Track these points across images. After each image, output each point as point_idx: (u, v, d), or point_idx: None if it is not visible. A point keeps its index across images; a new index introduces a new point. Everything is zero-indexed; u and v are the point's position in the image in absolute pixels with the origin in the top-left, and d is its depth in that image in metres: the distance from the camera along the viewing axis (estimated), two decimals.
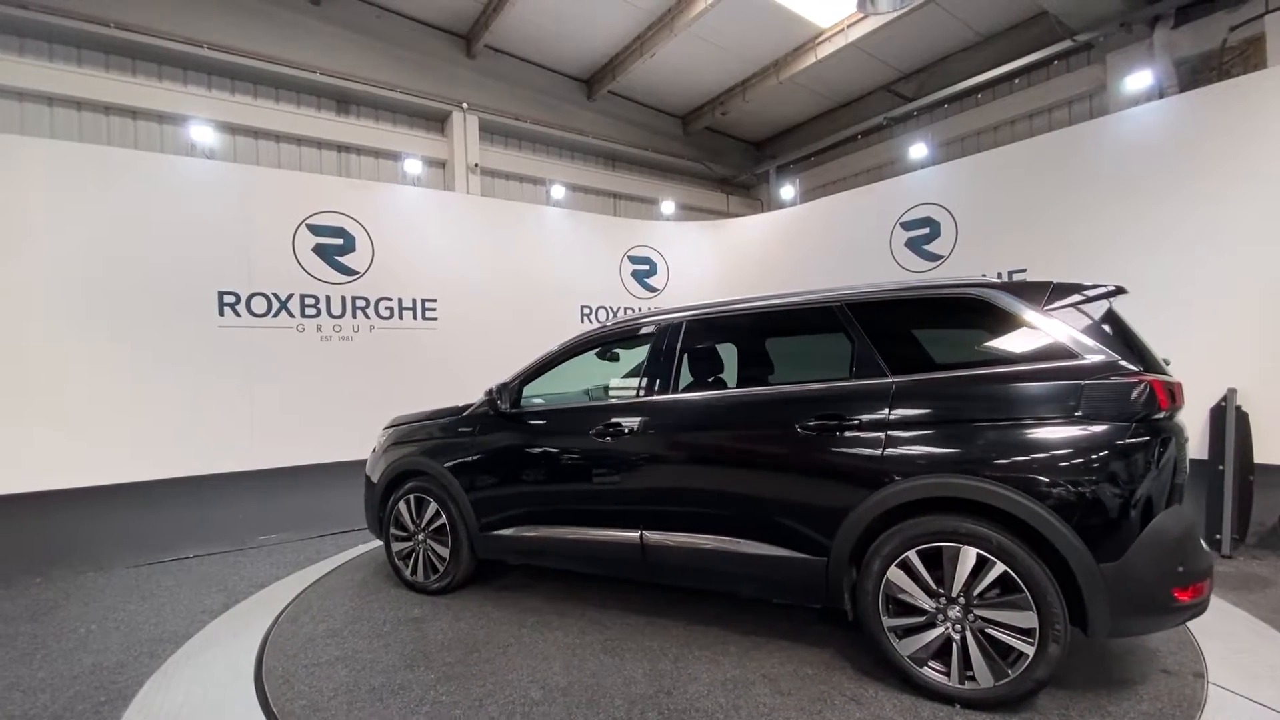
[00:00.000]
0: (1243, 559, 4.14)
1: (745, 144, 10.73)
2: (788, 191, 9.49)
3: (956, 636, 2.42)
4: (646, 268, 8.22)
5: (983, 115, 7.86)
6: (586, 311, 7.49)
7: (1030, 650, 2.29)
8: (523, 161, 8.59)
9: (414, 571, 3.98)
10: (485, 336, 6.62)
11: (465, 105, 7.76)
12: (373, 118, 7.50)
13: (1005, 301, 2.59)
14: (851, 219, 7.29)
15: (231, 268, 5.49)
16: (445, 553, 3.85)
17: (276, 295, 5.69)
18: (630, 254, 8.10)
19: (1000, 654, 2.35)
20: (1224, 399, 4.37)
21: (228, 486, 5.32)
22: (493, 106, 7.96)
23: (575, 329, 4.77)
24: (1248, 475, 4.30)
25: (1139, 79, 6.07)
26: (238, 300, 5.52)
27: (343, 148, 7.29)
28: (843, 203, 7.59)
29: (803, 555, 2.75)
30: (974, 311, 2.67)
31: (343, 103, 7.30)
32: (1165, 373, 2.46)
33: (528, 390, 3.81)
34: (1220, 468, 4.31)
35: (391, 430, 4.31)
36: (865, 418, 2.64)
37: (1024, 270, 5.54)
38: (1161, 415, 2.30)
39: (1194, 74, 6.07)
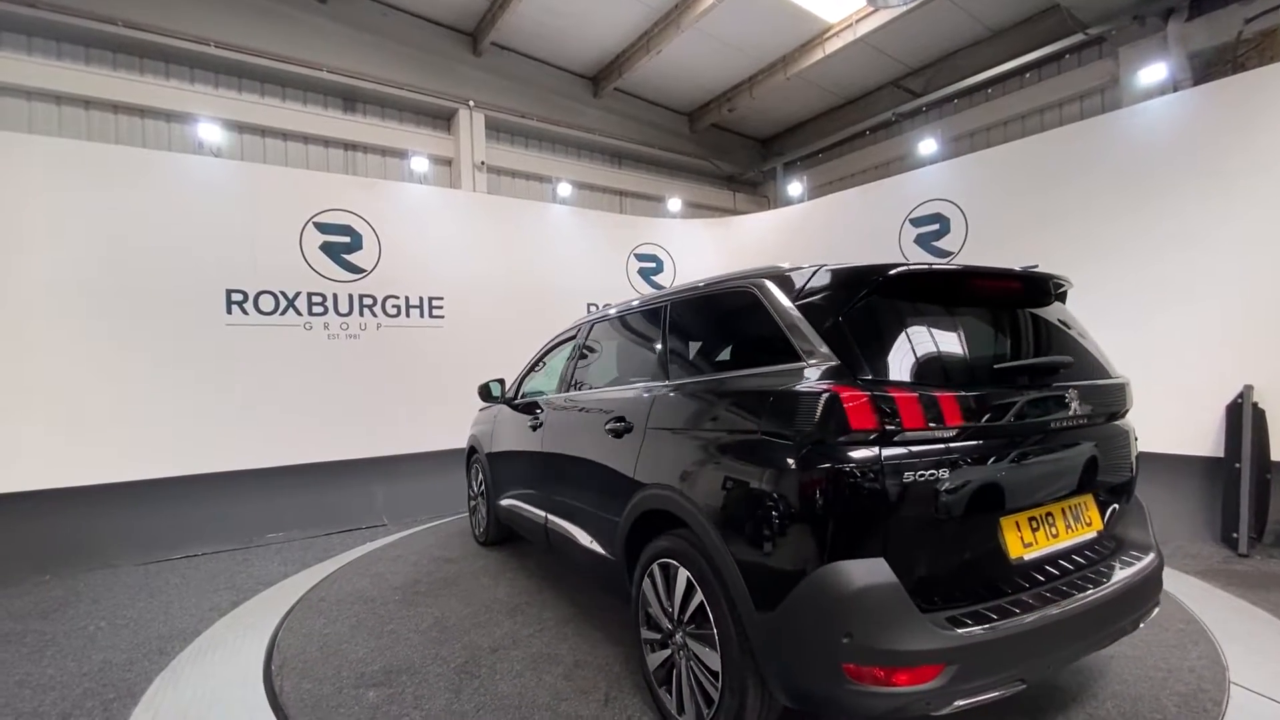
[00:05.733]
0: (1260, 558, 4.07)
1: (752, 141, 10.68)
2: (795, 188, 9.42)
3: (679, 663, 2.25)
4: (653, 265, 8.19)
5: (992, 110, 7.78)
6: (594, 309, 7.47)
7: (716, 697, 2.03)
8: (529, 159, 8.56)
9: (475, 525, 5.05)
10: (492, 334, 6.61)
11: (471, 103, 7.74)
12: (379, 116, 7.49)
13: (766, 294, 2.22)
14: (860, 215, 7.24)
15: (239, 266, 5.50)
16: (486, 511, 4.72)
17: (284, 293, 5.70)
18: (636, 252, 8.08)
19: (704, 693, 2.11)
20: (1240, 396, 4.31)
21: (235, 484, 5.32)
22: (499, 104, 7.94)
23: None
24: (1264, 473, 4.24)
25: (1152, 72, 5.99)
26: (245, 298, 5.52)
27: (349, 146, 7.28)
28: (851, 199, 7.54)
29: (605, 554, 2.84)
30: (745, 306, 2.33)
31: (349, 101, 7.29)
32: (939, 384, 1.84)
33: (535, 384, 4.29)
34: (1236, 465, 4.25)
35: (477, 414, 5.16)
36: (635, 423, 2.61)
37: (1035, 266, 5.48)
38: (856, 438, 1.73)
39: (1208, 67, 5.98)
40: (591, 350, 3.55)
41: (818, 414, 1.77)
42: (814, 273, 2.14)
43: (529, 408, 3.94)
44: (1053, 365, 2.12)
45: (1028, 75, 7.41)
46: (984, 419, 1.85)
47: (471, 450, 5.04)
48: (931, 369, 1.89)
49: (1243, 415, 4.25)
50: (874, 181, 7.51)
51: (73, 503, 4.72)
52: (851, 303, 1.95)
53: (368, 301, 6.13)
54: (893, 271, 1.94)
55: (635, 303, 3.22)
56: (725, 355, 2.43)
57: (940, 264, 2.08)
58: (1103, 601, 1.91)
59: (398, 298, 6.29)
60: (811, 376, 1.87)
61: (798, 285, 2.15)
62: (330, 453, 5.78)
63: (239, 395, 5.41)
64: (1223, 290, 4.51)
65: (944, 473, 1.75)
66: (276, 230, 5.71)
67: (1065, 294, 2.46)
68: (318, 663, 2.97)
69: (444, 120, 7.91)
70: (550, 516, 3.51)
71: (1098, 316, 4.69)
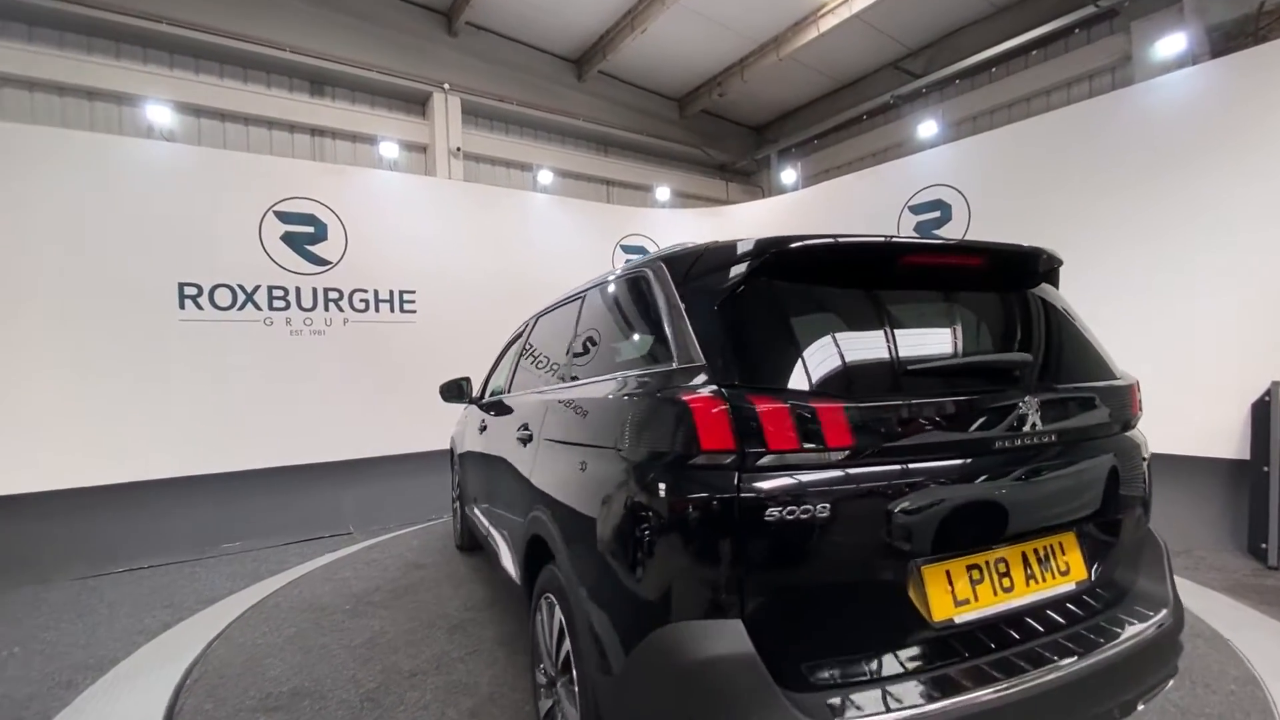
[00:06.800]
0: None
1: (744, 128, 10.30)
2: (789, 177, 9.08)
3: (557, 716, 1.92)
4: (641, 257, 7.83)
5: (996, 92, 7.38)
6: None
7: None
8: (508, 145, 8.18)
9: (455, 528, 4.76)
10: (468, 330, 6.25)
11: (447, 86, 7.37)
12: (348, 99, 7.11)
13: (658, 279, 1.80)
14: (857, 203, 6.92)
15: (193, 257, 5.17)
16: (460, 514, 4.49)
17: (242, 287, 5.36)
18: (623, 243, 7.73)
19: None
20: (1268, 393, 3.97)
21: (189, 491, 4.99)
22: (476, 87, 7.56)
23: None
24: None
25: (1170, 44, 5.63)
26: (200, 292, 5.19)
27: (316, 131, 6.90)
28: (848, 186, 7.23)
29: (515, 578, 2.54)
30: (639, 295, 1.92)
31: (316, 83, 6.90)
32: (834, 392, 1.41)
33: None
34: (1265, 469, 3.91)
35: (461, 412, 4.79)
36: (535, 432, 2.30)
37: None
38: (713, 461, 1.34)
39: (1227, 40, 5.61)
40: (530, 348, 3.24)
41: (665, 429, 1.43)
42: (703, 252, 1.74)
43: (488, 408, 3.62)
44: (998, 365, 1.63)
45: (1034, 53, 7.02)
46: (889, 438, 1.39)
47: (452, 451, 4.85)
48: (835, 374, 1.44)
49: (1271, 413, 3.92)
50: (871, 168, 7.16)
51: (10, 512, 4.36)
52: (735, 288, 1.53)
53: (333, 295, 5.79)
54: (792, 245, 1.50)
55: (561, 295, 2.86)
56: (616, 355, 2.04)
57: (852, 237, 1.59)
58: (1073, 679, 1.41)
59: (366, 291, 5.94)
60: (674, 381, 1.49)
61: (683, 268, 1.74)
62: (293, 456, 5.44)
63: (193, 395, 5.07)
64: (1247, 278, 4.17)
65: (825, 508, 1.31)
66: (234, 219, 5.37)
67: (1055, 274, 1.93)
68: (233, 679, 2.86)
69: (418, 104, 7.53)
70: (490, 527, 3.24)
71: (1111, 307, 4.40)
